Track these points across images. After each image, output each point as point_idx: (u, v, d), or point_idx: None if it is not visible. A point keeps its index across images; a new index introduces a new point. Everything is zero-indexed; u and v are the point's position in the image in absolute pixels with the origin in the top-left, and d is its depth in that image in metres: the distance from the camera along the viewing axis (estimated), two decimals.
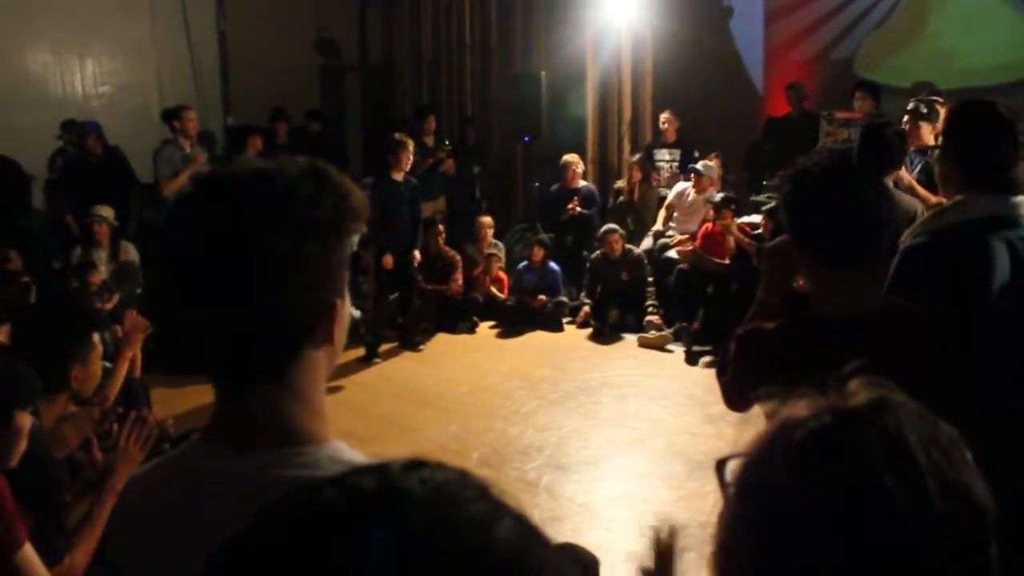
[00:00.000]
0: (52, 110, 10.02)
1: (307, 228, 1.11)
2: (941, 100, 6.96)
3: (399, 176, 8.07)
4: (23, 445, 2.67)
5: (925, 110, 6.05)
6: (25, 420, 2.67)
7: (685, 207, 9.16)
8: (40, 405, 3.01)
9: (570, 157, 9.71)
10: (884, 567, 0.78)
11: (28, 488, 2.71)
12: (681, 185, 9.34)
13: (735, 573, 0.86)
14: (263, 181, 1.13)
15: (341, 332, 1.20)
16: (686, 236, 8.71)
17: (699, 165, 9.08)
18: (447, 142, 10.44)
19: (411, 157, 8.10)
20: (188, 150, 8.35)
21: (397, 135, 8.19)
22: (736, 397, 2.29)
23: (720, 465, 0.91)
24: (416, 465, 0.61)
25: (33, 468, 2.77)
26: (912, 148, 6.07)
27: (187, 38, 11.20)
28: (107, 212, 8.02)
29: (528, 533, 0.61)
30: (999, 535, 0.82)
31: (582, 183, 9.72)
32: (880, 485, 0.78)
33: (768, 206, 8.19)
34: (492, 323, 8.98)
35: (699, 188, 9.00)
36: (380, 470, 0.61)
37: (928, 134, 5.91)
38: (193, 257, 1.12)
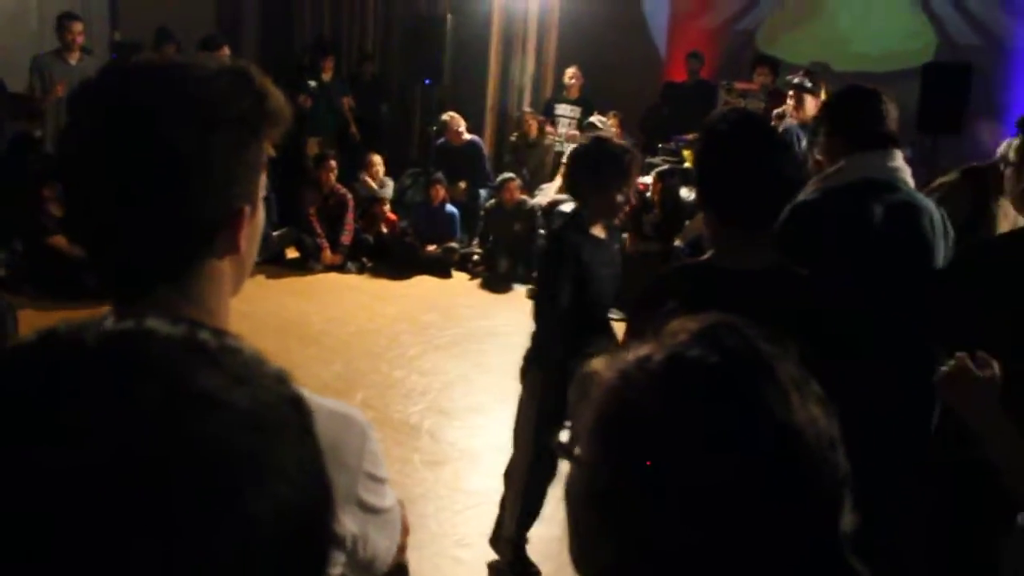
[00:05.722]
0: None
1: (217, 124, 1.03)
2: (819, 74, 7.17)
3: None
4: None
5: (809, 84, 6.25)
6: None
7: None
8: None
9: (448, 116, 9.46)
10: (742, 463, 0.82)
11: None
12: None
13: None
14: (175, 71, 1.06)
15: (249, 242, 1.12)
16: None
17: (595, 120, 9.10)
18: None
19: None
20: (72, 63, 7.90)
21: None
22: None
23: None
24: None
25: None
26: (796, 122, 6.27)
27: None
28: None
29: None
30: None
31: (467, 137, 9.53)
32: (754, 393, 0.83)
33: (659, 168, 8.32)
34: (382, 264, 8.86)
35: None
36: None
37: (812, 108, 6.10)
38: (93, 145, 1.04)
